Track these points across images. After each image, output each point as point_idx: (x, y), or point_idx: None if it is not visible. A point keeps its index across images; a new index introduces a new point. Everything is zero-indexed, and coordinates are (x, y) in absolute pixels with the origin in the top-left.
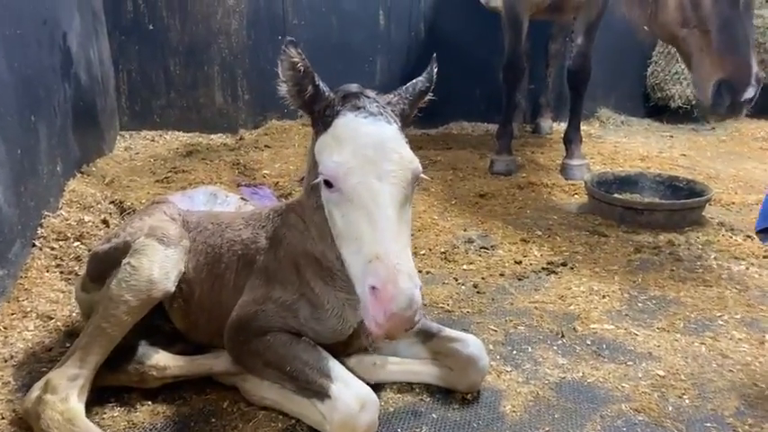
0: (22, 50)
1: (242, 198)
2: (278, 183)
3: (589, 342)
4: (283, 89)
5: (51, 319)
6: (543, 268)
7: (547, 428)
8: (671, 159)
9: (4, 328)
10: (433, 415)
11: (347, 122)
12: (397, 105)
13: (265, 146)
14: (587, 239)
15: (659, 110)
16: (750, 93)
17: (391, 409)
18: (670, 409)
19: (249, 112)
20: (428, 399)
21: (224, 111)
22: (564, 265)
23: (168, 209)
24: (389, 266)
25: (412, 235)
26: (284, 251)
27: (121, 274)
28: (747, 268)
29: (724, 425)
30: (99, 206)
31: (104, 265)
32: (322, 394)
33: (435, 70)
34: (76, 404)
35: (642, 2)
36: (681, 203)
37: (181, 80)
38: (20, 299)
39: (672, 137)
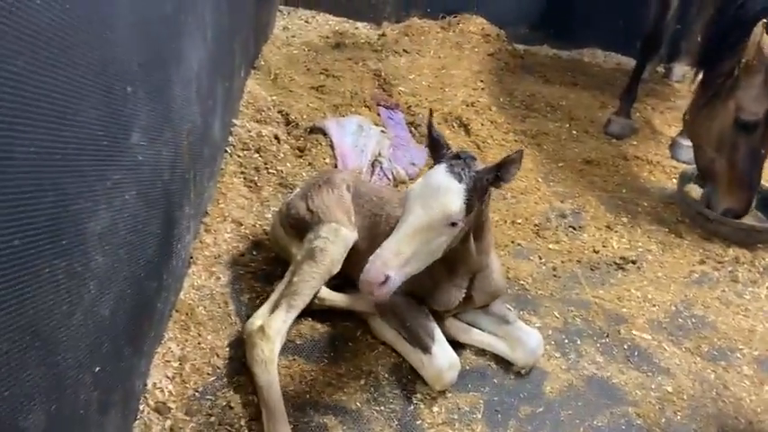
0: None
1: (382, 131)
2: (409, 107)
3: (626, 347)
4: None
5: (241, 225)
6: (615, 262)
7: (569, 412)
8: None
9: (214, 231)
10: (495, 380)
11: (432, 170)
12: (479, 173)
13: (404, 50)
14: (664, 238)
15: None
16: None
17: (467, 368)
18: (663, 420)
19: (394, 6)
20: (494, 366)
21: (372, 1)
22: (633, 263)
23: (346, 179)
24: (377, 254)
25: (514, 198)
26: None
27: (317, 243)
28: None
29: None
30: (269, 113)
31: (301, 225)
32: (426, 348)
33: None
34: (274, 354)
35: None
36: (748, 226)
37: None
38: (219, 202)
39: None
